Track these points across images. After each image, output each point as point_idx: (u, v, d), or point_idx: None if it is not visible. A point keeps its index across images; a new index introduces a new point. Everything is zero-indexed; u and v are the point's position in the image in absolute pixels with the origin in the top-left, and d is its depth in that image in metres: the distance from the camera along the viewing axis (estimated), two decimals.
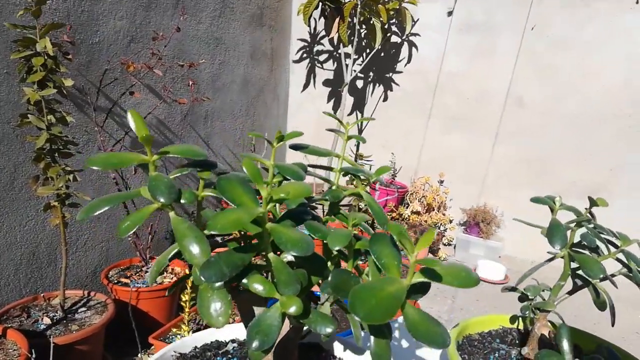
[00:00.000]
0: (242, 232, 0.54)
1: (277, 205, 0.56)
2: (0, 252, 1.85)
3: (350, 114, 3.94)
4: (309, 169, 0.62)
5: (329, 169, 0.63)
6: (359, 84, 3.88)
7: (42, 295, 1.91)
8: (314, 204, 0.60)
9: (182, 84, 2.65)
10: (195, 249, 0.44)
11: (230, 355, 0.66)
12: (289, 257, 0.51)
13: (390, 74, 3.77)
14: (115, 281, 2.15)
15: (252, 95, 3.40)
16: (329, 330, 0.43)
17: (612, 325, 0.63)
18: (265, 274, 0.49)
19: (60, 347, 1.60)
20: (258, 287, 0.45)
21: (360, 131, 3.95)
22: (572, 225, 0.59)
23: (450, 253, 3.54)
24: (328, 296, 0.51)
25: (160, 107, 2.50)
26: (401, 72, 3.73)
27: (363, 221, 0.52)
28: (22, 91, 1.59)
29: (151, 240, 2.32)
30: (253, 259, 0.51)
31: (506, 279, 3.07)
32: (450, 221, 3.62)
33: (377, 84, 3.84)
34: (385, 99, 3.82)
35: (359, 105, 3.92)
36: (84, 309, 1.89)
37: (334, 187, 0.60)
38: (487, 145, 3.51)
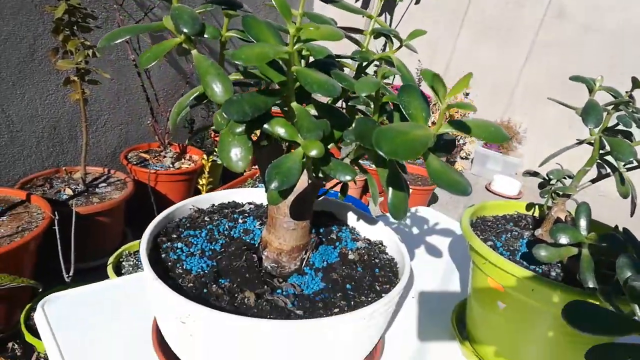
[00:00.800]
0: (267, 84, 0.52)
1: (302, 61, 0.54)
2: (22, 123, 1.88)
3: (379, 15, 3.74)
4: (339, 29, 0.58)
5: (359, 30, 0.59)
6: None
7: (64, 168, 1.97)
8: (340, 66, 0.57)
9: None
10: (217, 86, 0.43)
11: (246, 213, 0.67)
12: (312, 112, 0.50)
13: None
14: (135, 162, 2.20)
15: None
16: (348, 177, 0.43)
17: (631, 215, 0.62)
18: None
19: (82, 217, 1.67)
20: (280, 130, 0.44)
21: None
22: (610, 107, 0.56)
23: (467, 166, 3.54)
24: (349, 152, 0.50)
25: None
26: None
27: (392, 74, 0.49)
28: None
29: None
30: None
31: (520, 195, 3.08)
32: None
33: None
34: (417, 2, 3.61)
35: (388, 7, 3.71)
36: (104, 184, 1.95)
37: (363, 49, 0.57)
38: (519, 58, 3.35)
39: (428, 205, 2.76)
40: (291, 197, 0.54)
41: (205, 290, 0.51)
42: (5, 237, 1.39)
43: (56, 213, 1.37)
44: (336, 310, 0.50)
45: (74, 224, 1.41)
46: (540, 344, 0.57)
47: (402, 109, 0.40)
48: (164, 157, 2.31)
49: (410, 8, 3.65)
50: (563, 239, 0.51)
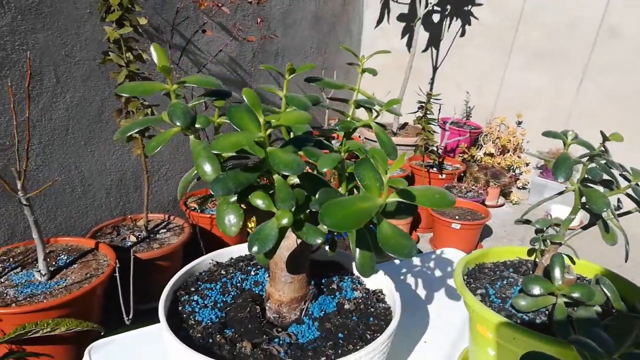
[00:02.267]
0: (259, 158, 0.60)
1: (291, 133, 0.62)
2: (93, 177, 2.09)
3: (424, 51, 3.80)
4: (328, 101, 0.66)
5: (344, 100, 0.66)
6: (435, 18, 3.71)
7: (129, 216, 2.16)
8: (329, 135, 0.64)
9: (252, 22, 2.70)
10: (207, 167, 0.51)
11: (259, 266, 0.75)
12: (295, 179, 0.57)
13: (469, 6, 3.55)
14: (192, 208, 2.36)
15: (323, 32, 3.38)
16: (317, 240, 0.49)
17: (625, 261, 0.63)
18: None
19: (143, 262, 1.83)
20: (258, 202, 0.51)
21: (435, 69, 3.81)
22: (585, 159, 0.59)
23: (524, 197, 3.43)
24: None
25: (231, 45, 2.59)
26: (481, 4, 3.50)
27: (357, 148, 0.55)
28: (104, 30, 1.73)
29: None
30: (264, 180, 0.58)
31: (580, 224, 2.94)
32: (527, 164, 3.48)
33: (455, 18, 3.64)
34: (462, 34, 3.64)
35: (434, 41, 3.76)
36: (164, 230, 2.11)
37: (347, 119, 0.63)
38: (572, 83, 3.26)
39: (481, 240, 2.70)
40: (285, 254, 0.61)
41: (210, 340, 0.58)
42: (75, 284, 1.55)
43: (117, 261, 1.52)
44: (323, 358, 0.55)
45: (132, 270, 1.55)
46: None
47: (358, 181, 0.46)
48: None
49: (456, 40, 3.68)
50: (536, 290, 0.54)
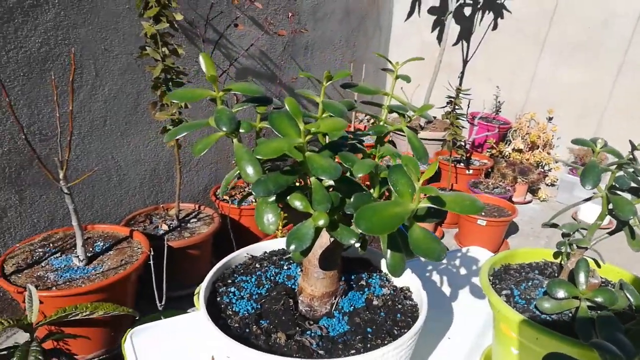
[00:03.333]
0: (295, 161, 0.63)
1: (327, 137, 0.65)
2: (128, 167, 2.17)
3: (455, 44, 3.77)
4: (360, 105, 0.68)
5: (378, 105, 0.69)
6: (467, 11, 3.67)
7: (161, 205, 2.24)
8: (360, 138, 0.67)
9: (283, 16, 2.73)
10: (250, 169, 0.55)
11: (291, 260, 0.78)
12: (330, 182, 0.60)
13: None
14: (222, 198, 2.42)
15: (352, 26, 3.39)
16: (351, 241, 0.53)
17: None
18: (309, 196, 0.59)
19: (175, 250, 1.90)
20: (297, 203, 0.54)
21: (466, 62, 3.78)
22: (613, 167, 0.60)
23: (553, 194, 3.39)
24: None
25: (262, 39, 2.63)
26: None
27: (390, 154, 0.58)
28: (141, 25, 1.79)
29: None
30: (303, 183, 0.61)
31: (610, 224, 2.89)
32: (556, 161, 3.43)
33: (487, 11, 3.59)
34: (494, 28, 3.59)
35: (465, 34, 3.73)
36: (195, 220, 2.18)
37: (381, 123, 0.66)
38: (608, 78, 3.19)
39: (507, 237, 2.69)
40: (319, 251, 0.65)
41: (247, 330, 0.62)
42: (111, 270, 1.62)
43: (151, 249, 1.58)
44: (353, 351, 0.59)
45: (165, 258, 1.61)
46: None
47: (391, 187, 0.49)
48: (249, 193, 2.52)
49: (488, 33, 3.63)
50: (560, 294, 0.56)
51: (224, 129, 0.54)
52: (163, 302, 1.57)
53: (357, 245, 0.66)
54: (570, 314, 0.62)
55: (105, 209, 2.12)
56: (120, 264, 1.65)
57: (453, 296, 0.96)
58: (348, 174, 0.61)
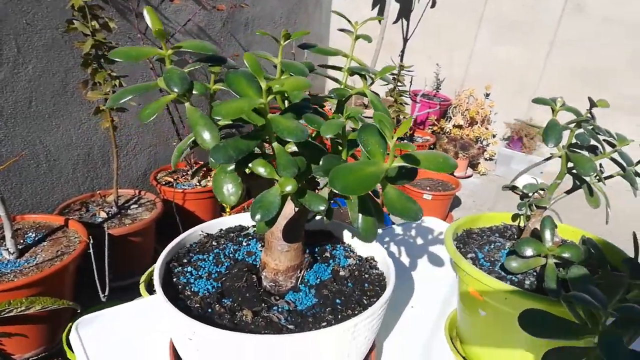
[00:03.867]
0: (254, 126, 0.59)
1: (286, 102, 0.61)
2: (59, 152, 2.02)
3: (395, 22, 3.79)
4: (318, 68, 0.65)
5: (338, 68, 0.65)
6: None
7: (98, 192, 2.11)
8: (322, 102, 0.63)
9: None
10: (206, 134, 0.50)
11: (250, 236, 0.74)
12: (293, 148, 0.57)
13: None
14: (163, 182, 2.32)
15: (293, 2, 3.32)
16: (321, 207, 0.49)
17: (606, 223, 0.66)
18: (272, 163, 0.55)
19: (115, 238, 1.79)
20: (260, 170, 0.50)
21: (406, 40, 3.81)
22: (572, 125, 0.61)
23: (491, 168, 3.52)
24: (326, 183, 0.56)
25: (200, 14, 2.51)
26: None
27: (357, 114, 0.55)
28: None
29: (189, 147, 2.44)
30: (264, 149, 0.57)
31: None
32: (494, 136, 3.56)
33: None
34: (433, 5, 3.64)
35: (404, 12, 3.75)
36: (135, 206, 2.07)
37: (341, 86, 0.63)
38: (540, 56, 3.32)
39: (451, 210, 2.77)
40: (282, 222, 0.61)
41: (209, 310, 0.58)
42: (46, 262, 1.51)
43: (91, 237, 1.48)
44: (324, 324, 0.56)
45: (106, 246, 1.52)
46: (519, 346, 0.61)
47: (361, 147, 0.46)
48: (191, 176, 2.43)
49: (427, 12, 3.68)
50: (528, 252, 0.56)
51: (176, 90, 0.49)
52: (106, 293, 1.48)
53: (323, 214, 0.63)
54: (534, 274, 0.62)
55: (35, 198, 1.97)
56: (55, 255, 1.54)
57: (412, 265, 0.96)
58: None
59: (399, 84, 2.72)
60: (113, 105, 0.52)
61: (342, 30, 0.68)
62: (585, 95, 0.65)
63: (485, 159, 3.62)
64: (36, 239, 1.62)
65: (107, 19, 1.71)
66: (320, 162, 0.48)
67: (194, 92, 0.52)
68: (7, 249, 1.49)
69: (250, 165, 0.52)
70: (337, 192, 0.40)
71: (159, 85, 0.51)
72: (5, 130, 1.78)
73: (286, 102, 0.61)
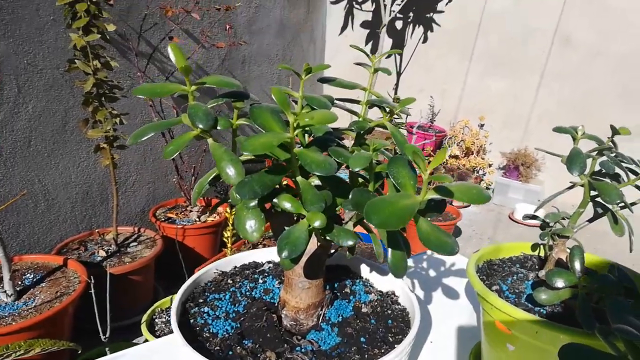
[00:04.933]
0: (275, 161, 0.58)
1: (306, 135, 0.60)
2: (57, 191, 2.00)
3: (388, 57, 3.86)
4: (337, 101, 0.65)
5: (356, 101, 0.65)
6: (398, 25, 3.78)
7: (97, 230, 2.07)
8: (341, 135, 0.63)
9: (219, 29, 2.67)
10: (231, 170, 0.49)
11: (266, 273, 0.73)
12: (316, 182, 0.56)
13: (431, 13, 3.64)
14: (163, 219, 2.29)
15: (288, 40, 3.38)
16: (350, 242, 0.48)
17: (630, 251, 0.65)
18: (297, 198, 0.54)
19: (115, 277, 1.75)
20: (286, 205, 0.49)
21: (399, 74, 3.88)
22: (594, 154, 0.60)
23: None
24: (351, 216, 0.55)
25: (198, 52, 2.54)
26: (442, 11, 3.60)
27: (383, 147, 0.55)
28: (69, 37, 1.66)
29: (195, 181, 2.43)
30: (285, 184, 0.56)
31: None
32: (490, 165, 3.58)
33: (417, 25, 3.72)
34: (424, 41, 3.72)
35: (397, 47, 3.83)
36: (135, 243, 2.03)
37: (360, 119, 0.63)
38: (530, 88, 3.39)
39: None
40: (304, 259, 0.59)
41: (230, 352, 0.55)
42: (45, 303, 1.46)
43: (91, 277, 1.45)
44: None
45: (108, 286, 1.48)
46: None
47: (392, 179, 0.46)
48: (190, 211, 2.40)
49: (419, 46, 3.76)
50: (559, 283, 0.55)
51: (200, 125, 0.48)
52: (107, 334, 1.44)
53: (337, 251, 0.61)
54: (562, 305, 0.61)
55: (33, 237, 1.93)
56: (55, 296, 1.50)
57: (427, 298, 0.94)
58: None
59: (394, 116, 2.74)
60: (135, 142, 0.51)
61: (359, 64, 0.68)
62: (577, 122, 0.65)
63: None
64: (34, 280, 1.58)
65: (108, 58, 1.73)
66: (350, 196, 0.47)
67: (218, 127, 0.51)
68: (5, 292, 1.45)
69: (274, 200, 0.51)
70: (365, 225, 0.39)
71: (183, 121, 0.51)
72: (4, 170, 1.76)
73: (306, 136, 0.60)
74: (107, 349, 1.36)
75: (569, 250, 0.66)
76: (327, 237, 0.50)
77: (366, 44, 3.89)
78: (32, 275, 1.61)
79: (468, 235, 2.96)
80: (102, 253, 1.92)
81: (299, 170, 0.52)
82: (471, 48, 3.54)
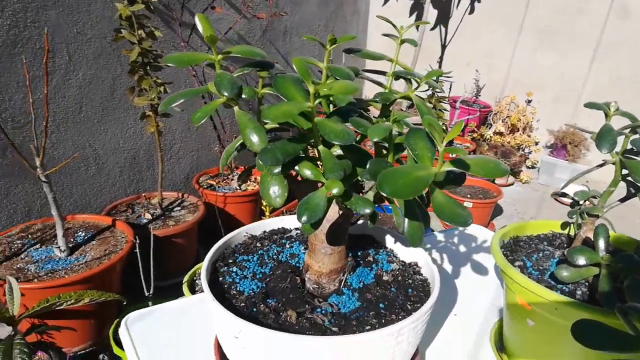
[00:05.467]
0: (299, 129, 0.60)
1: (331, 106, 0.61)
2: (107, 156, 2.10)
3: (433, 29, 3.75)
4: (363, 73, 0.65)
5: (382, 73, 0.66)
6: None
7: (143, 195, 2.17)
8: (366, 107, 0.64)
9: None
10: (254, 137, 0.51)
11: (293, 239, 0.75)
12: (338, 151, 0.57)
13: None
14: (205, 186, 2.37)
15: (331, 10, 3.34)
16: (367, 210, 0.50)
17: None
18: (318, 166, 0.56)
19: (159, 239, 1.84)
20: (307, 172, 0.51)
21: (444, 47, 3.77)
22: (627, 131, 0.59)
23: (534, 176, 3.43)
24: (371, 186, 0.56)
25: (240, 23, 2.56)
26: None
27: (404, 118, 0.55)
28: (115, 7, 1.71)
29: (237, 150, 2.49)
30: (309, 152, 0.58)
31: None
32: (536, 143, 3.46)
33: None
34: (471, 12, 3.58)
35: (442, 19, 3.72)
36: (178, 208, 2.12)
37: (386, 90, 0.63)
38: (584, 62, 3.22)
39: (492, 218, 2.71)
40: (326, 225, 0.61)
41: (254, 309, 0.59)
42: (95, 260, 1.56)
43: (137, 237, 1.53)
44: (368, 327, 0.56)
45: (152, 246, 1.56)
46: (568, 358, 0.59)
47: (409, 151, 0.46)
48: (232, 179, 2.47)
49: (465, 18, 3.63)
50: (581, 261, 0.54)
51: (226, 93, 0.50)
52: (151, 292, 1.53)
53: (368, 217, 0.63)
54: (586, 284, 0.60)
55: (84, 199, 2.05)
56: (104, 253, 1.60)
57: (454, 273, 0.94)
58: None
59: (437, 89, 2.69)
60: (166, 108, 0.54)
61: (387, 35, 0.68)
62: (629, 102, 0.63)
63: (528, 167, 3.52)
64: (85, 238, 1.69)
65: (152, 28, 1.77)
66: (367, 166, 0.48)
67: (243, 95, 0.53)
68: (59, 247, 1.56)
69: (296, 167, 0.53)
70: (383, 195, 0.41)
71: (209, 89, 0.53)
72: (57, 134, 1.87)
73: (331, 106, 0.61)
74: (149, 303, 1.45)
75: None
76: (345, 205, 0.51)
77: (410, 15, 3.79)
78: (83, 234, 1.71)
79: (510, 214, 2.89)
80: (148, 216, 2.02)
81: (320, 139, 0.53)
82: (521, 19, 3.39)
